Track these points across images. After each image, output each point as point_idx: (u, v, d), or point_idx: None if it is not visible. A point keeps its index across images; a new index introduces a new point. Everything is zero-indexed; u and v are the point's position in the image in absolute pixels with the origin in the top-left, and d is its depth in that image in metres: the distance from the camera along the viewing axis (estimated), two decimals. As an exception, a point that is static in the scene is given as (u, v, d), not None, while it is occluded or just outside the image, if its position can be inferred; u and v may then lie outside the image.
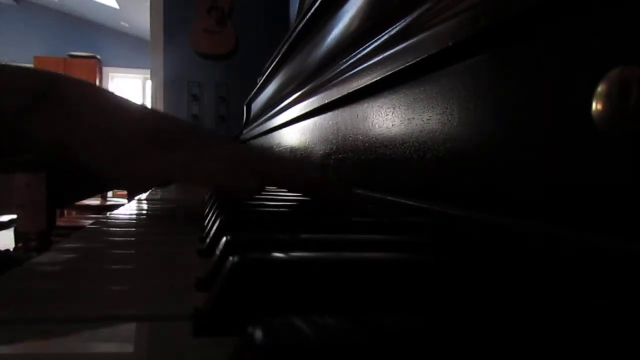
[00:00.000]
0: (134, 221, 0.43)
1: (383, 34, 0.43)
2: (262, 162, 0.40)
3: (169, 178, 0.36)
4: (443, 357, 0.10)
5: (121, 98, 0.41)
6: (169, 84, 2.79)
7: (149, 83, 3.13)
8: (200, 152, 0.38)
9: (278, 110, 0.96)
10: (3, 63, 0.39)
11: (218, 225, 0.28)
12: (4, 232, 2.16)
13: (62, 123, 0.36)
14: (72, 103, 0.38)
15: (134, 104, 0.41)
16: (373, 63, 0.42)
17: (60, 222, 2.24)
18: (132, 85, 6.20)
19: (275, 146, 1.04)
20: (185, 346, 0.14)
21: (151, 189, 0.38)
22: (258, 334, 0.10)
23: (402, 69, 0.36)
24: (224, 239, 0.22)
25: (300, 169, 0.40)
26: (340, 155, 0.56)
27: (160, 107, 2.78)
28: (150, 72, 2.82)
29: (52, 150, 0.37)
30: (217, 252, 0.22)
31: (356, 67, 0.47)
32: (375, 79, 0.41)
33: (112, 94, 0.41)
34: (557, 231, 0.21)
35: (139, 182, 0.39)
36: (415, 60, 0.33)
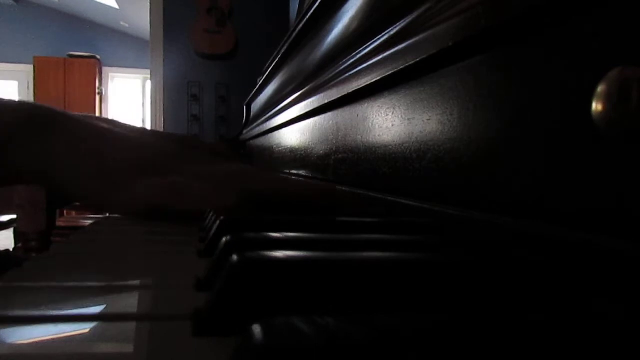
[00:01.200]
0: (134, 221, 0.43)
1: (383, 34, 0.43)
2: (248, 180, 0.40)
3: (156, 206, 0.37)
4: (445, 358, 0.10)
5: (112, 131, 0.41)
6: (169, 84, 2.79)
7: (149, 83, 3.13)
8: (186, 176, 0.39)
9: (278, 111, 0.96)
10: None
11: (218, 226, 0.28)
12: (4, 232, 2.16)
13: (47, 157, 0.37)
14: (58, 138, 0.38)
15: (125, 135, 0.42)
16: (373, 63, 0.42)
17: (60, 222, 2.24)
18: (132, 85, 6.19)
19: (275, 146, 1.04)
20: (185, 346, 0.14)
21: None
22: (258, 334, 0.10)
23: (402, 69, 0.36)
24: (224, 239, 0.22)
25: (290, 186, 0.41)
26: (340, 156, 0.56)
27: (160, 107, 2.78)
28: (150, 72, 2.82)
29: (36, 182, 0.38)
30: (217, 252, 0.22)
31: (356, 67, 0.47)
32: (375, 79, 0.41)
33: (102, 127, 0.42)
34: (558, 232, 0.21)
35: (125, 212, 0.40)
36: (415, 61, 0.33)
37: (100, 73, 5.94)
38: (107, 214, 0.48)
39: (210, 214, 0.37)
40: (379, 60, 0.41)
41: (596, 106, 0.18)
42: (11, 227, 2.11)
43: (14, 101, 0.40)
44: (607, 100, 0.18)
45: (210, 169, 0.41)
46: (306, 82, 0.78)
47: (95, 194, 0.38)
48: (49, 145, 0.37)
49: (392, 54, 0.38)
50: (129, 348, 0.15)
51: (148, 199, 0.37)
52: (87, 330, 0.16)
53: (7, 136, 0.37)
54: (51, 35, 5.83)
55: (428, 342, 0.11)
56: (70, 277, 0.22)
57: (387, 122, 0.42)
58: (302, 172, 0.75)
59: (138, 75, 6.11)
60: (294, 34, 0.88)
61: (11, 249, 1.33)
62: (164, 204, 0.37)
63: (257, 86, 1.50)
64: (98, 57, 5.87)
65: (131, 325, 0.16)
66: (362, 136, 0.48)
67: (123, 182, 0.37)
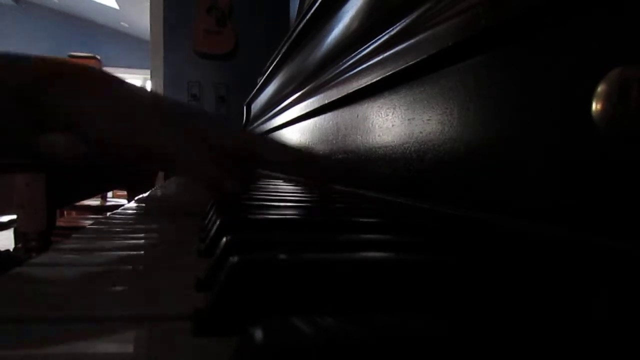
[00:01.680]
0: (134, 221, 0.43)
1: (383, 34, 0.43)
2: (253, 144, 0.44)
3: (176, 154, 0.39)
4: (443, 357, 0.10)
5: (134, 85, 0.44)
6: (169, 84, 2.79)
7: (149, 83, 3.13)
8: (205, 134, 0.42)
9: (278, 111, 0.96)
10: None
11: (218, 226, 0.28)
12: (4, 232, 2.16)
13: (76, 101, 0.39)
14: (86, 83, 0.40)
15: (145, 89, 0.45)
16: (373, 63, 0.42)
17: (60, 222, 2.23)
18: (132, 85, 6.19)
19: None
20: (185, 346, 0.14)
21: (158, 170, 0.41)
22: (258, 334, 0.10)
23: (402, 69, 0.36)
24: (224, 239, 0.22)
25: (290, 153, 0.46)
26: (340, 156, 0.56)
27: (160, 107, 2.78)
28: (150, 72, 2.82)
29: (67, 127, 0.39)
30: (217, 252, 0.22)
31: (356, 68, 0.47)
32: (375, 79, 0.41)
33: (127, 82, 0.44)
34: (557, 231, 0.21)
35: (150, 159, 0.41)
36: (415, 61, 0.33)
37: (101, 73, 5.93)
38: (108, 213, 0.48)
39: (211, 213, 0.37)
40: (379, 61, 0.41)
41: (596, 106, 0.18)
42: (11, 227, 2.10)
43: (45, 57, 0.42)
44: (607, 100, 0.18)
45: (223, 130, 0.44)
46: (306, 82, 0.78)
47: (124, 138, 0.39)
48: (79, 92, 0.39)
49: (392, 54, 0.38)
50: (129, 348, 0.15)
51: (174, 148, 0.39)
52: (87, 330, 0.16)
53: (38, 81, 0.38)
54: (51, 36, 5.83)
55: (427, 342, 0.11)
56: (69, 278, 0.22)
57: (387, 122, 0.42)
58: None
59: (138, 75, 6.10)
60: (294, 34, 0.88)
61: (11, 249, 1.33)
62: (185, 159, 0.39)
63: (257, 86, 1.50)
64: (98, 57, 5.86)
65: (131, 325, 0.16)
66: (362, 136, 0.48)
67: (152, 128, 0.39)
